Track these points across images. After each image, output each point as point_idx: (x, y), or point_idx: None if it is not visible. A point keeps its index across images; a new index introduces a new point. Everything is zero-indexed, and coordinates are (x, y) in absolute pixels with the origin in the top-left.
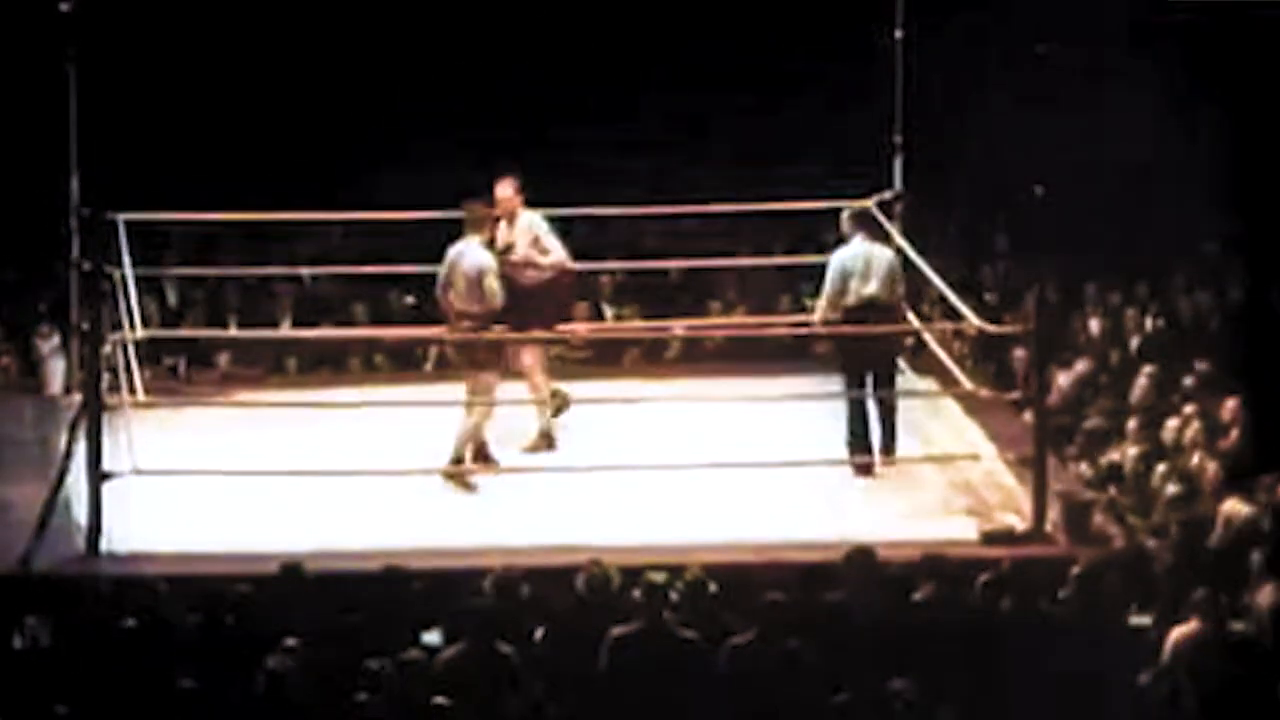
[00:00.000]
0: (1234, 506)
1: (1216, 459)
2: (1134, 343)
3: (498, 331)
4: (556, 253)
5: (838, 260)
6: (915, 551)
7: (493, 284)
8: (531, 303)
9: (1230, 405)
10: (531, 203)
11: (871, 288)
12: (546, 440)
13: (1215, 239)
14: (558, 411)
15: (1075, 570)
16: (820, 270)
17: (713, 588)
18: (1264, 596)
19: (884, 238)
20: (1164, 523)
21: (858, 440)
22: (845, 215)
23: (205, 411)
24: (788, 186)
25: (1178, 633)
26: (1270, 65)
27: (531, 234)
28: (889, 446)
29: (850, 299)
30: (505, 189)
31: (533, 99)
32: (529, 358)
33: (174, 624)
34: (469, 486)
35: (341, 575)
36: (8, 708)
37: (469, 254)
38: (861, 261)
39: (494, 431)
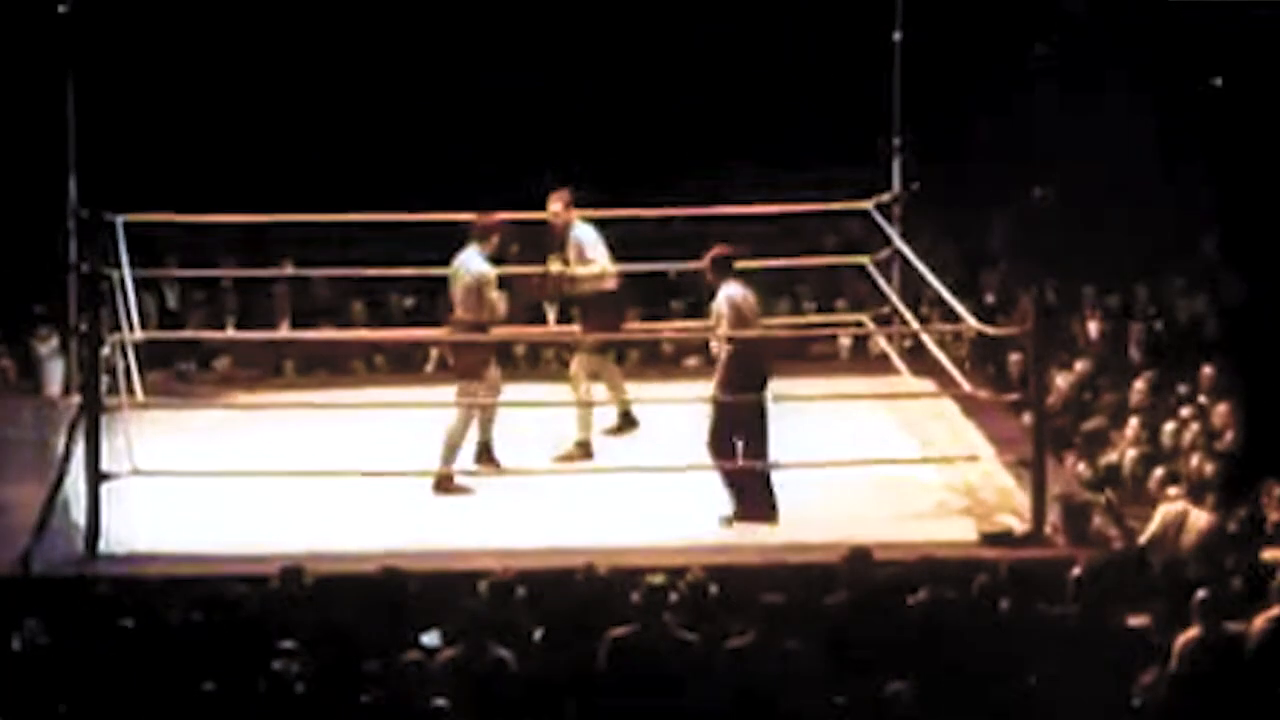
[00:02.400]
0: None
1: (1215, 461)
2: (1132, 345)
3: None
4: (597, 264)
5: (739, 301)
6: (914, 553)
7: (490, 295)
8: (582, 313)
9: (1221, 410)
10: (528, 205)
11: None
12: (583, 449)
13: (1213, 241)
14: (620, 430)
15: (1074, 572)
16: (817, 271)
17: (713, 589)
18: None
19: (741, 275)
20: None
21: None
22: (707, 264)
23: (204, 413)
24: (786, 189)
25: (1183, 638)
26: (1269, 65)
27: (578, 246)
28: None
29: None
30: (554, 203)
31: (529, 99)
32: (575, 365)
33: (173, 625)
34: (460, 490)
35: (340, 577)
36: (8, 708)
37: (468, 264)
38: (750, 302)
39: (505, 434)
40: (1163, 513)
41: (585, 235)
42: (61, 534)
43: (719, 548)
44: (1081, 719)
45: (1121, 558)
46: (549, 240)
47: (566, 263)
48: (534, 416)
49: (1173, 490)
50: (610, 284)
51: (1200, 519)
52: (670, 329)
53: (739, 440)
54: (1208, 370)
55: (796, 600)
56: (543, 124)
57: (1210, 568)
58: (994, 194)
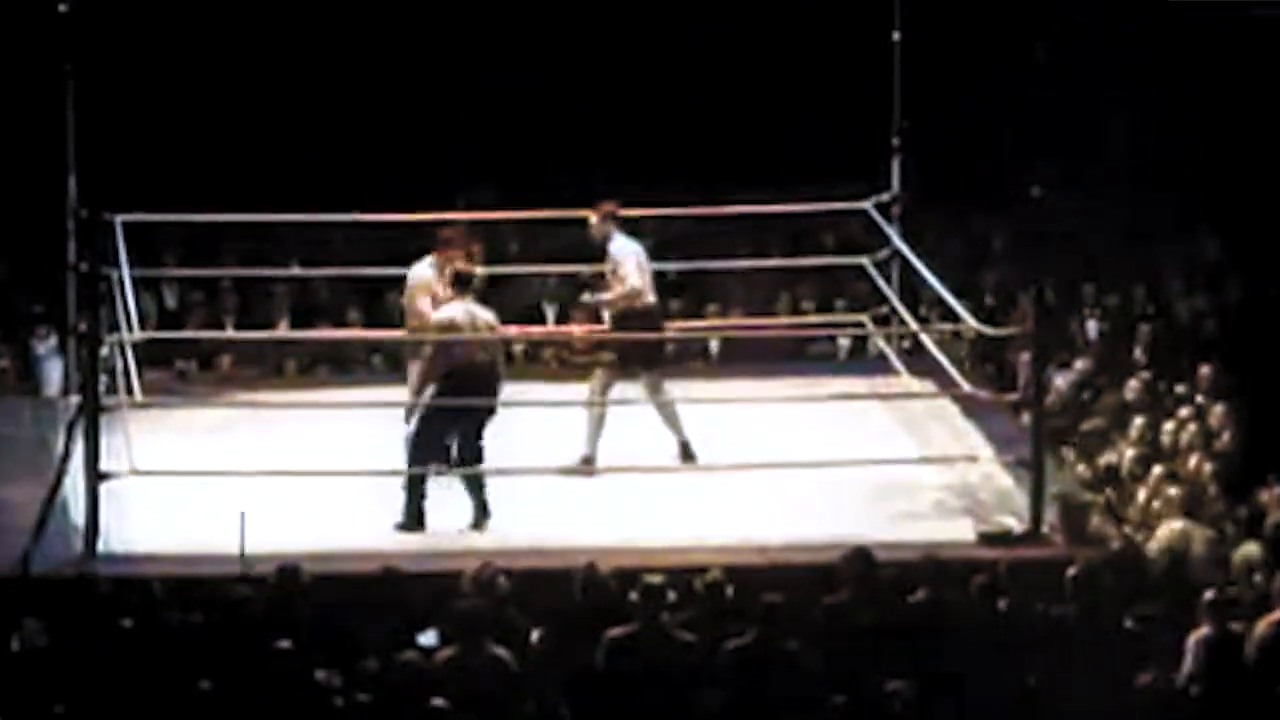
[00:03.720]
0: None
1: (1213, 462)
2: (1131, 344)
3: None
4: (629, 281)
5: (456, 317)
6: (913, 553)
7: (414, 303)
8: (611, 329)
9: (1217, 411)
10: (525, 204)
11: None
12: (587, 464)
13: (1213, 241)
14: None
15: (1072, 571)
16: (816, 271)
17: (730, 590)
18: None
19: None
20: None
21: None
22: (449, 274)
23: (203, 412)
24: (786, 188)
25: (1194, 636)
26: (1269, 65)
27: (612, 263)
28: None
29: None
30: (591, 215)
31: (526, 97)
32: (592, 381)
33: (171, 625)
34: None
35: (338, 576)
36: (6, 708)
37: (413, 270)
38: (470, 319)
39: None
40: (1166, 529)
41: (622, 250)
42: (60, 534)
43: (720, 548)
44: (1080, 718)
45: (1119, 557)
46: (546, 241)
47: (603, 276)
48: (533, 417)
49: (1172, 491)
50: (643, 303)
51: (1204, 534)
52: (670, 330)
53: (423, 446)
54: (1205, 370)
55: (796, 600)
56: (542, 124)
57: (1222, 579)
58: (994, 194)
